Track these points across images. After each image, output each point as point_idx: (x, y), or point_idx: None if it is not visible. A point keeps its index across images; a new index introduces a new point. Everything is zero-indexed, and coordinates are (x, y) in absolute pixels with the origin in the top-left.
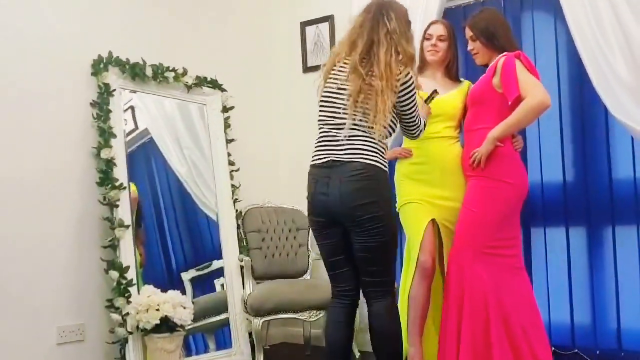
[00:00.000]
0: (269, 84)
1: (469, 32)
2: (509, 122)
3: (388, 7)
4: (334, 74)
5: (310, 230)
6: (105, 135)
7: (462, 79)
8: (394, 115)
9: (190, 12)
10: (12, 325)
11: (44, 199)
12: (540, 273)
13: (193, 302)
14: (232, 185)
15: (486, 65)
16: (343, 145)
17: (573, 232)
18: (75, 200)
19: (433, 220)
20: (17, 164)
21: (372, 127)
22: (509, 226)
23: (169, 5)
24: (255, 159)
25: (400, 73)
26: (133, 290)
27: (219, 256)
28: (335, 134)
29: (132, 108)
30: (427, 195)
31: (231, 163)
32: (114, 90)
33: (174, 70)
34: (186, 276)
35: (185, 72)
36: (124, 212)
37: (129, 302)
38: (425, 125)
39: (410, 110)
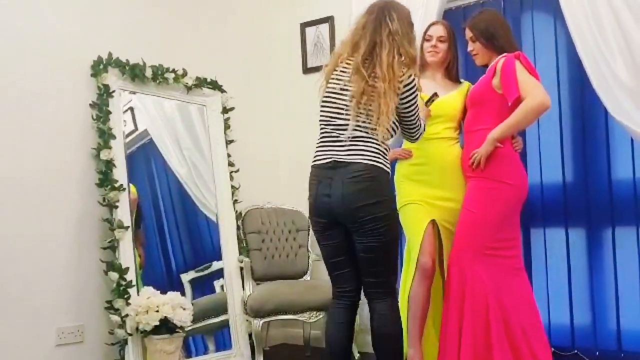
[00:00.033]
0: (269, 85)
1: (468, 33)
2: (508, 123)
3: (390, 9)
4: (336, 74)
5: (311, 231)
6: (105, 136)
7: (462, 80)
8: (396, 116)
9: (190, 12)
10: (12, 326)
11: (43, 199)
12: (540, 274)
13: (193, 304)
14: (232, 187)
15: (486, 66)
16: (346, 146)
17: (573, 233)
18: (74, 201)
19: (433, 221)
20: (17, 164)
21: (375, 129)
22: (509, 227)
23: (169, 6)
24: (255, 160)
25: (403, 75)
26: (132, 291)
27: (218, 257)
28: (338, 134)
29: (131, 109)
30: (427, 196)
31: (231, 164)
32: (114, 91)
33: (173, 71)
34: (186, 277)
35: (185, 73)
36: (124, 213)
37: (128, 304)
38: (424, 127)
39: (412, 112)
